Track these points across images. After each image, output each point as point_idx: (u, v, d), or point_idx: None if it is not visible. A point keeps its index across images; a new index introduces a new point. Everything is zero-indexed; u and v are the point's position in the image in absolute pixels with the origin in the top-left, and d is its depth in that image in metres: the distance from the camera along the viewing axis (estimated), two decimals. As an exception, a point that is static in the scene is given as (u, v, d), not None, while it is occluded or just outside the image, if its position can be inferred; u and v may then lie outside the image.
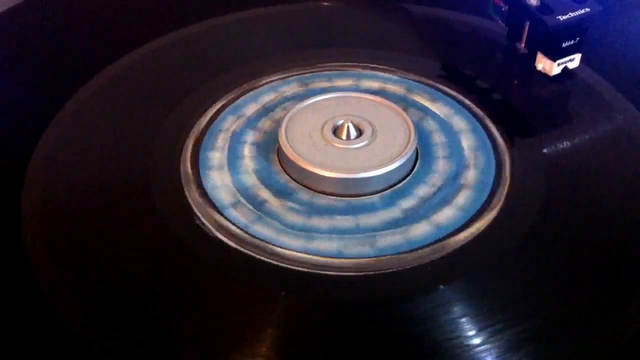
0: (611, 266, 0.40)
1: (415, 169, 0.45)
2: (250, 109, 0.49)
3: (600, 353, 0.37)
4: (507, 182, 0.44)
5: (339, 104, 0.47)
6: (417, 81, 0.51)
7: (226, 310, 0.38)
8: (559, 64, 0.51)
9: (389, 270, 0.39)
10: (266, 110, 0.49)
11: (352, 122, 0.45)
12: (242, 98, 0.50)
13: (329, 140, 0.45)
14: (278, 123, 0.47)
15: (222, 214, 0.42)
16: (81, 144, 0.47)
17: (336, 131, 0.45)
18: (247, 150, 0.46)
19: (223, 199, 0.43)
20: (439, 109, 0.49)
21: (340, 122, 0.45)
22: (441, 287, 0.38)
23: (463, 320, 0.37)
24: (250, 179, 0.44)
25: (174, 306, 0.38)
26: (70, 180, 0.45)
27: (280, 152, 0.45)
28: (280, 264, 0.40)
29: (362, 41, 0.56)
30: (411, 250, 0.40)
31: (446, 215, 0.42)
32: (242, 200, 0.43)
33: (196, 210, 0.42)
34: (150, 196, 0.43)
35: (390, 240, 0.41)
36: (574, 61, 0.51)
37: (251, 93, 0.50)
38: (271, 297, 0.38)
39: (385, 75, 0.52)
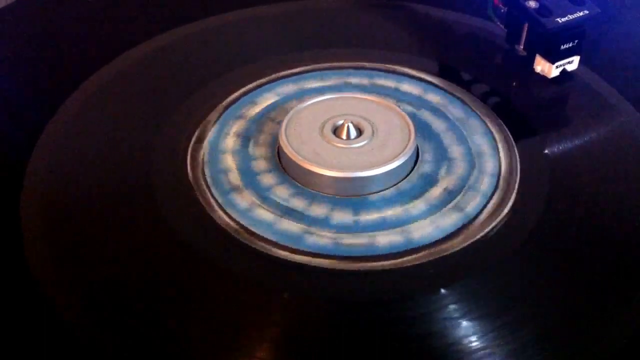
0: (612, 267, 0.40)
1: (415, 169, 0.45)
2: (251, 109, 0.49)
3: (600, 353, 0.37)
4: (509, 183, 0.44)
5: (339, 104, 0.47)
6: (427, 82, 0.52)
7: (229, 310, 0.38)
8: (557, 67, 0.51)
9: (389, 270, 0.40)
10: (266, 109, 0.49)
11: (352, 122, 0.45)
12: (242, 97, 0.50)
13: (329, 140, 0.45)
14: (279, 121, 0.47)
15: (225, 212, 0.42)
16: (81, 143, 0.47)
17: (336, 131, 0.45)
18: (249, 147, 0.47)
19: (226, 195, 0.43)
20: (442, 110, 0.49)
21: (340, 122, 0.46)
22: (442, 290, 0.38)
23: (464, 321, 0.37)
24: (249, 173, 0.45)
25: (176, 306, 0.38)
26: (71, 180, 0.45)
27: (280, 152, 0.45)
28: (282, 262, 0.40)
29: (361, 40, 0.56)
30: (412, 250, 0.40)
31: (447, 215, 0.42)
32: (247, 194, 0.43)
33: (199, 209, 0.42)
34: (152, 195, 0.43)
35: (391, 239, 0.41)
36: (573, 63, 0.52)
37: (251, 93, 0.50)
38: (273, 296, 0.38)
39: (387, 75, 0.52)
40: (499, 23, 0.53)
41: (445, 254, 0.40)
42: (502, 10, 0.53)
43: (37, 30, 0.57)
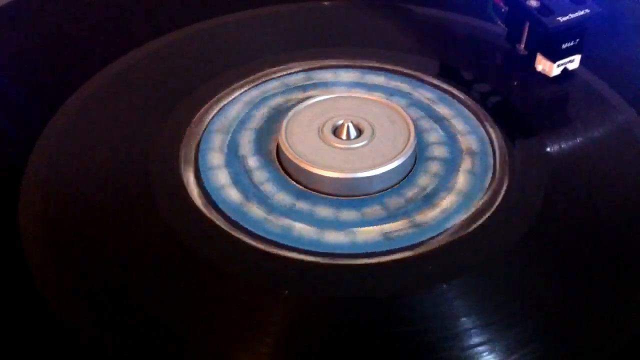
0: (611, 266, 0.40)
1: (415, 168, 0.45)
2: (248, 110, 0.49)
3: (600, 353, 0.37)
4: (508, 182, 0.44)
5: (339, 104, 0.47)
6: (418, 80, 0.52)
7: (228, 309, 0.38)
8: (558, 65, 0.51)
9: (388, 267, 0.40)
10: (265, 112, 0.49)
11: (352, 122, 0.45)
12: (241, 98, 0.50)
13: (329, 140, 0.45)
14: (276, 123, 0.47)
15: (223, 212, 0.42)
16: (81, 144, 0.47)
17: (336, 131, 0.45)
18: (246, 148, 0.46)
19: (224, 195, 0.43)
20: (439, 108, 0.49)
21: (340, 122, 0.45)
22: (442, 285, 0.38)
23: (463, 319, 0.37)
24: (247, 173, 0.45)
25: (175, 305, 0.38)
26: (70, 180, 0.45)
27: (280, 152, 0.45)
28: (282, 261, 0.40)
29: (362, 41, 0.56)
30: (409, 249, 0.40)
31: (446, 214, 0.42)
32: (245, 194, 0.43)
33: (197, 209, 0.42)
34: (151, 195, 0.43)
35: (389, 237, 0.41)
36: (574, 62, 0.52)
37: (250, 93, 0.50)
38: (272, 295, 0.38)
39: (385, 74, 0.52)
40: (499, 22, 0.53)
41: (443, 251, 0.40)
42: (503, 10, 0.53)
43: (37, 30, 0.57)
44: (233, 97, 0.50)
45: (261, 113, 0.49)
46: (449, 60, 0.54)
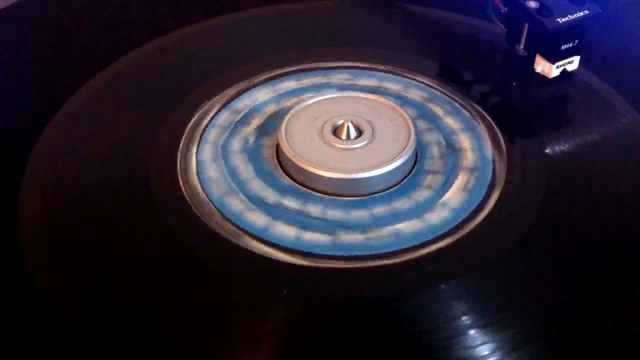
0: (611, 266, 0.40)
1: (415, 168, 0.45)
2: (246, 110, 0.49)
3: (601, 353, 0.37)
4: (507, 182, 0.44)
5: (339, 104, 0.47)
6: (416, 80, 0.52)
7: (228, 310, 0.38)
8: (557, 67, 0.51)
9: (387, 268, 0.40)
10: (263, 112, 0.49)
11: (352, 122, 0.45)
12: (240, 98, 0.50)
13: (329, 140, 0.45)
14: (274, 121, 0.47)
15: (222, 213, 0.42)
16: (81, 144, 0.47)
17: (336, 131, 0.45)
18: (247, 149, 0.46)
19: (223, 197, 0.43)
20: (437, 108, 0.49)
21: (340, 122, 0.45)
22: (442, 286, 0.38)
23: (462, 319, 0.37)
24: (245, 174, 0.45)
25: (175, 305, 0.38)
26: (70, 180, 0.45)
27: (279, 152, 0.45)
28: (279, 262, 0.40)
29: (361, 40, 0.56)
30: (408, 249, 0.40)
31: (445, 214, 0.42)
32: (240, 194, 0.43)
33: (195, 210, 0.42)
34: (151, 196, 0.43)
35: (385, 238, 0.41)
36: (573, 63, 0.52)
37: (249, 93, 0.50)
38: (271, 296, 0.38)
39: (383, 74, 0.52)
40: (499, 23, 0.53)
41: (443, 252, 0.40)
42: (502, 11, 0.53)
43: (37, 31, 0.58)
44: (234, 97, 0.50)
45: (264, 114, 0.49)
46: (447, 60, 0.54)
